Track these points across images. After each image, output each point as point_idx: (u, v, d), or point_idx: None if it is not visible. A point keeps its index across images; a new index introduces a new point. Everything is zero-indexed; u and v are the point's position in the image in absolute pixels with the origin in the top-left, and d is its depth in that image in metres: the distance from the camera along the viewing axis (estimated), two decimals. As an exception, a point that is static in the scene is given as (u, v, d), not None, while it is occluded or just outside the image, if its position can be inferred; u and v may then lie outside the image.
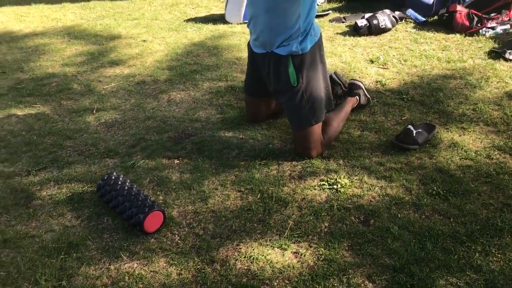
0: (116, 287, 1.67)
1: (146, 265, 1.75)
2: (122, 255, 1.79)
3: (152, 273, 1.71)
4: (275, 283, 1.63)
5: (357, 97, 2.66)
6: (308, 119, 2.21)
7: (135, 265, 1.76)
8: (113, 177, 2.06)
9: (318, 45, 2.21)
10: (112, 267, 1.75)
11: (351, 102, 2.60)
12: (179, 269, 1.72)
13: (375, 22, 3.76)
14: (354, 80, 2.75)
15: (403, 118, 2.59)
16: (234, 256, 1.76)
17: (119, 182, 2.03)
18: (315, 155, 2.28)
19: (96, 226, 1.95)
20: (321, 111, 2.24)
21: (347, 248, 1.76)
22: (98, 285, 1.68)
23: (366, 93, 2.72)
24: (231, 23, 4.28)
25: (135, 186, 2.05)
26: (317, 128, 2.24)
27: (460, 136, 2.39)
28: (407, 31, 3.85)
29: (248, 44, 2.39)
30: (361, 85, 2.71)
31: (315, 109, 2.21)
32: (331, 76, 2.72)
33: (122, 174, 2.17)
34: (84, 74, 3.46)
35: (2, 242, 1.90)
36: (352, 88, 2.69)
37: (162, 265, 1.75)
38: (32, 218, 2.03)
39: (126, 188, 1.99)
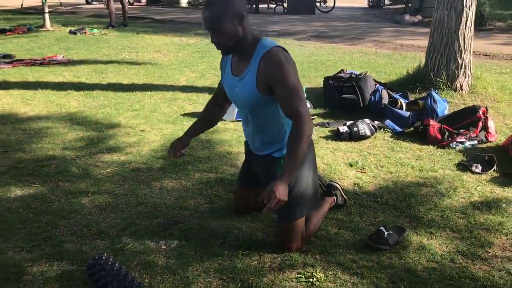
0: None
1: None
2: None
3: None
4: None
5: (335, 197, 2.88)
6: (293, 214, 2.39)
7: None
8: (103, 258, 2.20)
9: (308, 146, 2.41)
10: None
11: (329, 202, 2.81)
12: None
13: (355, 129, 4.12)
14: (332, 181, 3.00)
15: (376, 220, 2.80)
16: None
17: (109, 263, 2.16)
18: (295, 249, 2.45)
19: (83, 304, 2.05)
20: (306, 207, 2.43)
21: (318, 339, 1.88)
22: None
23: (343, 194, 2.95)
24: (225, 120, 4.61)
25: (123, 267, 2.18)
26: (301, 222, 2.43)
27: (428, 240, 2.59)
28: (384, 139, 4.20)
29: (246, 141, 2.67)
30: (339, 186, 2.95)
31: (301, 204, 2.40)
32: (329, 184, 2.98)
33: (112, 256, 2.31)
34: (83, 158, 3.68)
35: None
36: (330, 189, 2.92)
37: None
38: (22, 292, 2.13)
39: (115, 269, 2.12)
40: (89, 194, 3.08)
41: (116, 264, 2.16)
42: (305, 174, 2.42)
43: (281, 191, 2.05)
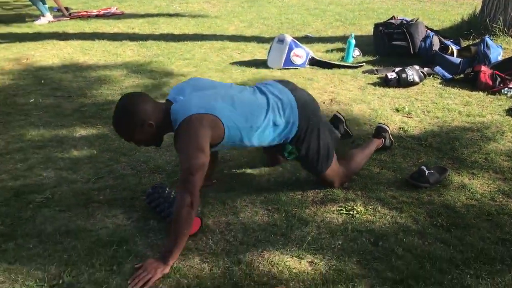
0: (158, 275, 1.99)
1: (183, 260, 2.07)
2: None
3: (188, 267, 2.03)
4: (291, 284, 1.92)
5: (383, 139, 2.96)
6: (319, 170, 2.50)
7: (174, 259, 2.09)
8: (161, 187, 2.42)
9: (305, 120, 2.37)
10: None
11: (376, 143, 2.90)
12: (211, 266, 2.04)
13: (403, 75, 4.10)
14: (382, 124, 3.05)
15: (419, 161, 2.87)
16: (258, 260, 2.06)
17: (166, 191, 2.38)
18: (338, 186, 2.58)
19: (143, 226, 2.30)
20: (328, 160, 2.48)
21: (355, 262, 2.04)
22: (142, 272, 2.01)
23: (391, 136, 3.02)
24: (272, 68, 4.71)
25: (178, 196, 2.40)
26: (330, 171, 2.51)
27: (469, 180, 2.65)
28: (433, 86, 4.16)
29: None
30: (388, 129, 3.01)
31: (321, 161, 2.46)
32: (335, 115, 3.11)
33: (168, 186, 2.54)
34: (139, 103, 3.91)
35: (65, 233, 2.27)
36: (379, 131, 3.00)
37: (196, 262, 2.07)
38: (90, 217, 2.39)
39: (172, 196, 2.34)
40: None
41: (172, 193, 2.38)
42: (313, 142, 2.41)
43: (150, 268, 1.97)
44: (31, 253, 2.14)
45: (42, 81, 4.53)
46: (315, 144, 2.42)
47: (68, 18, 7.66)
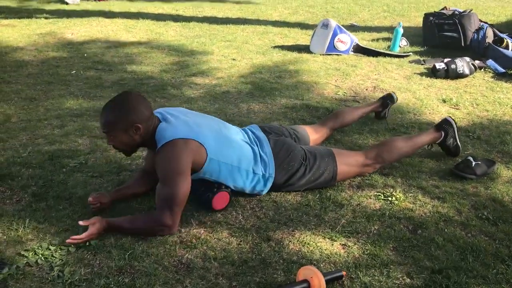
0: (184, 245, 1.94)
1: (211, 233, 2.01)
2: (192, 221, 2.07)
3: (215, 239, 1.97)
4: (322, 265, 1.83)
5: (443, 132, 2.58)
6: (332, 182, 2.34)
7: (202, 231, 2.03)
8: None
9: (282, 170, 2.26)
10: (182, 229, 2.02)
11: (432, 135, 2.58)
12: (239, 240, 1.97)
13: (453, 66, 3.90)
14: (450, 117, 2.64)
15: (465, 152, 2.70)
16: (288, 238, 1.98)
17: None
18: (369, 172, 2.45)
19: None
20: (324, 163, 2.31)
21: (391, 248, 1.92)
22: (169, 241, 1.96)
23: (458, 139, 2.61)
24: (315, 53, 4.59)
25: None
26: (344, 167, 2.35)
27: (520, 175, 2.48)
28: (484, 79, 3.95)
29: None
30: (453, 124, 2.60)
31: (325, 179, 2.31)
32: (390, 94, 3.04)
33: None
34: (178, 80, 3.89)
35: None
36: (441, 123, 2.62)
37: (225, 235, 2.00)
38: (121, 184, 2.37)
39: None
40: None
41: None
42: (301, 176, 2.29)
43: (95, 227, 1.92)
44: (61, 214, 2.14)
45: (85, 55, 4.58)
46: (305, 181, 2.29)
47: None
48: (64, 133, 2.92)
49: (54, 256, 1.87)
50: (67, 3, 7.44)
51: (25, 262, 1.83)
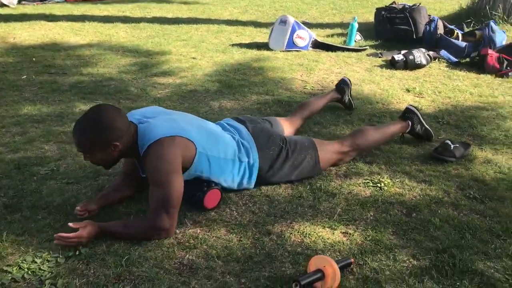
0: (182, 246, 1.85)
1: (208, 232, 1.94)
2: (186, 221, 1.99)
3: (214, 238, 1.90)
4: (327, 254, 1.80)
5: (409, 121, 2.66)
6: (317, 170, 2.34)
7: (198, 230, 1.95)
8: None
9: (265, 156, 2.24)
10: (177, 230, 1.93)
11: (399, 124, 2.66)
12: (239, 236, 1.90)
13: (411, 57, 4.03)
14: (412, 106, 2.72)
15: (439, 137, 2.78)
16: (288, 231, 1.94)
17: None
18: (347, 160, 2.46)
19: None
20: (304, 151, 2.31)
21: (391, 233, 1.93)
22: (165, 244, 1.86)
23: (425, 124, 2.68)
24: (274, 50, 4.58)
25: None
26: (325, 154, 2.36)
27: (493, 155, 2.58)
28: (440, 69, 4.10)
29: None
30: (416, 111, 2.67)
31: (311, 167, 2.31)
32: (343, 79, 3.10)
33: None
34: (140, 80, 3.75)
35: (76, 204, 2.10)
36: (404, 113, 2.70)
37: (223, 233, 1.93)
38: (101, 189, 2.23)
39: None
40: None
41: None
42: (283, 162, 2.27)
43: (86, 231, 1.82)
44: (40, 224, 1.98)
45: (34, 59, 4.31)
46: (289, 166, 2.27)
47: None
48: (27, 140, 2.72)
49: (42, 269, 1.73)
50: (2, 3, 6.99)
51: (9, 278, 1.68)
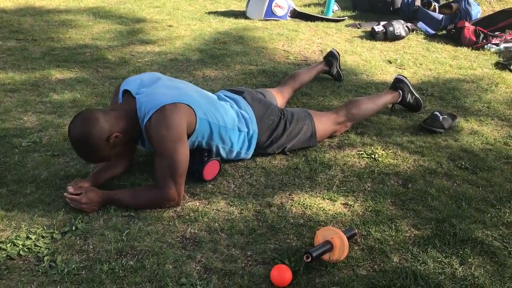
0: (183, 220, 1.81)
1: (208, 204, 1.90)
2: (184, 194, 1.93)
3: (215, 210, 1.86)
4: (331, 226, 1.80)
5: (400, 91, 2.68)
6: (312, 142, 2.33)
7: (198, 203, 1.90)
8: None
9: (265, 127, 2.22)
10: (176, 203, 1.88)
11: (391, 94, 2.66)
12: (240, 209, 1.88)
13: (391, 28, 4.04)
14: (401, 75, 2.75)
15: (425, 109, 2.82)
16: (289, 203, 1.93)
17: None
18: (342, 130, 2.46)
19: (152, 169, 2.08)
20: (301, 120, 2.30)
21: (391, 203, 1.95)
22: (165, 217, 1.81)
23: (415, 92, 2.71)
24: (252, 19, 4.48)
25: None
26: (321, 125, 2.35)
27: (478, 126, 2.64)
28: (418, 40, 4.14)
29: None
30: (405, 80, 2.69)
31: (308, 136, 2.31)
32: (331, 51, 3.07)
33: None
34: (116, 48, 3.59)
35: (65, 178, 2.02)
36: (395, 82, 2.72)
37: (223, 205, 1.90)
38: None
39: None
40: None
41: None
42: (283, 131, 2.25)
43: (87, 197, 1.81)
44: (30, 199, 1.89)
45: (-2, 24, 4.06)
46: (286, 136, 2.25)
47: None
48: (3, 110, 2.58)
49: (38, 246, 1.65)
50: None
51: (4, 255, 1.60)
